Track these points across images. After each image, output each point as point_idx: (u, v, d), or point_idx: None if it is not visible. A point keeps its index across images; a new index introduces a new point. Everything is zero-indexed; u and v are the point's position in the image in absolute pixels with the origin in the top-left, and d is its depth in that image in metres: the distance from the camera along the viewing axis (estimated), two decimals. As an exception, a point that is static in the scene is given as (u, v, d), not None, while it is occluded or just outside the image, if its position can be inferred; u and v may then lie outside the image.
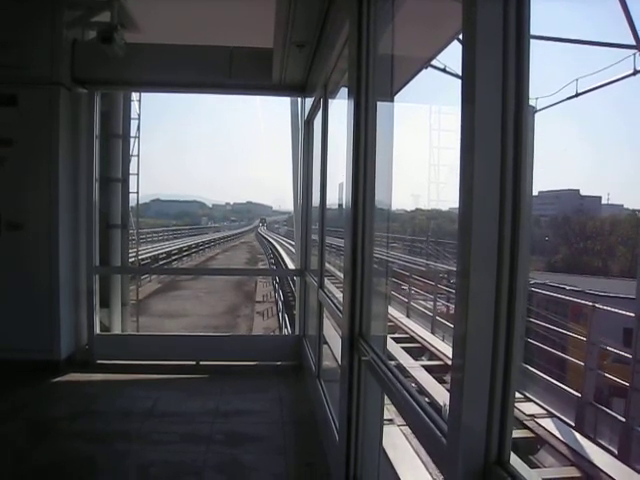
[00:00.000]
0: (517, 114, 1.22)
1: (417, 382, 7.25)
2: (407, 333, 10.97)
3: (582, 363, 6.61)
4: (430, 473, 4.18)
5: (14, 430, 3.73)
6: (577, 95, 8.48)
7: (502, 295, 1.23)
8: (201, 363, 5.36)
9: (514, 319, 1.23)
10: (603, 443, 6.00)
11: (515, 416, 1.33)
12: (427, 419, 1.56)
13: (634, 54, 7.35)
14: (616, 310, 6.74)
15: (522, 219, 1.23)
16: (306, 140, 5.53)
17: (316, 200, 4.78)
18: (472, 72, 1.24)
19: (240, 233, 68.96)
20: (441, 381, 7.44)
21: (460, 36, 1.40)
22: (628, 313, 6.37)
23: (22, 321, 4.88)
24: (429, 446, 1.66)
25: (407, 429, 4.57)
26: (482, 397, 1.24)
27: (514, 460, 1.24)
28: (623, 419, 5.97)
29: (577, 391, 6.57)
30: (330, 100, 4.10)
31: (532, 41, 1.26)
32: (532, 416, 6.44)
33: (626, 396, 6.10)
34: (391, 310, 11.44)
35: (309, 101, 5.24)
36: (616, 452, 5.83)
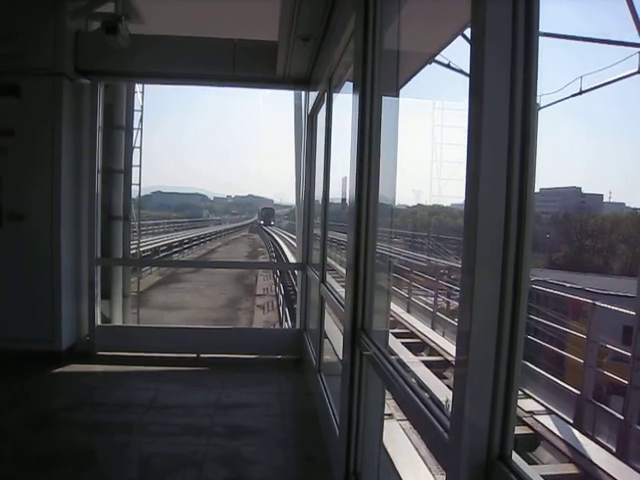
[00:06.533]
0: (525, 111, 1.22)
1: (417, 377, 7.28)
2: (407, 328, 11.01)
3: (581, 361, 6.63)
4: (429, 468, 4.20)
5: (15, 420, 3.74)
6: (581, 93, 8.46)
7: (507, 292, 1.23)
8: (201, 356, 5.36)
9: (518, 316, 1.23)
10: (601, 440, 6.02)
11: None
12: (429, 414, 1.56)
13: (639, 52, 7.32)
14: (616, 308, 6.74)
15: (528, 216, 1.22)
16: (309, 134, 5.51)
17: (319, 194, 4.77)
18: (480, 68, 1.23)
19: (241, 226, 68.92)
20: (441, 376, 7.47)
21: (465, 32, 1.39)
22: (628, 311, 6.38)
23: (23, 312, 4.89)
24: (431, 441, 1.66)
25: (406, 424, 4.60)
26: (485, 393, 1.24)
27: (515, 456, 1.25)
28: (621, 417, 5.98)
29: (576, 388, 6.59)
30: (334, 94, 4.09)
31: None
32: (531, 413, 6.46)
33: (625, 394, 6.11)
34: (392, 305, 11.46)
35: (313, 95, 5.22)
36: (614, 449, 5.85)
